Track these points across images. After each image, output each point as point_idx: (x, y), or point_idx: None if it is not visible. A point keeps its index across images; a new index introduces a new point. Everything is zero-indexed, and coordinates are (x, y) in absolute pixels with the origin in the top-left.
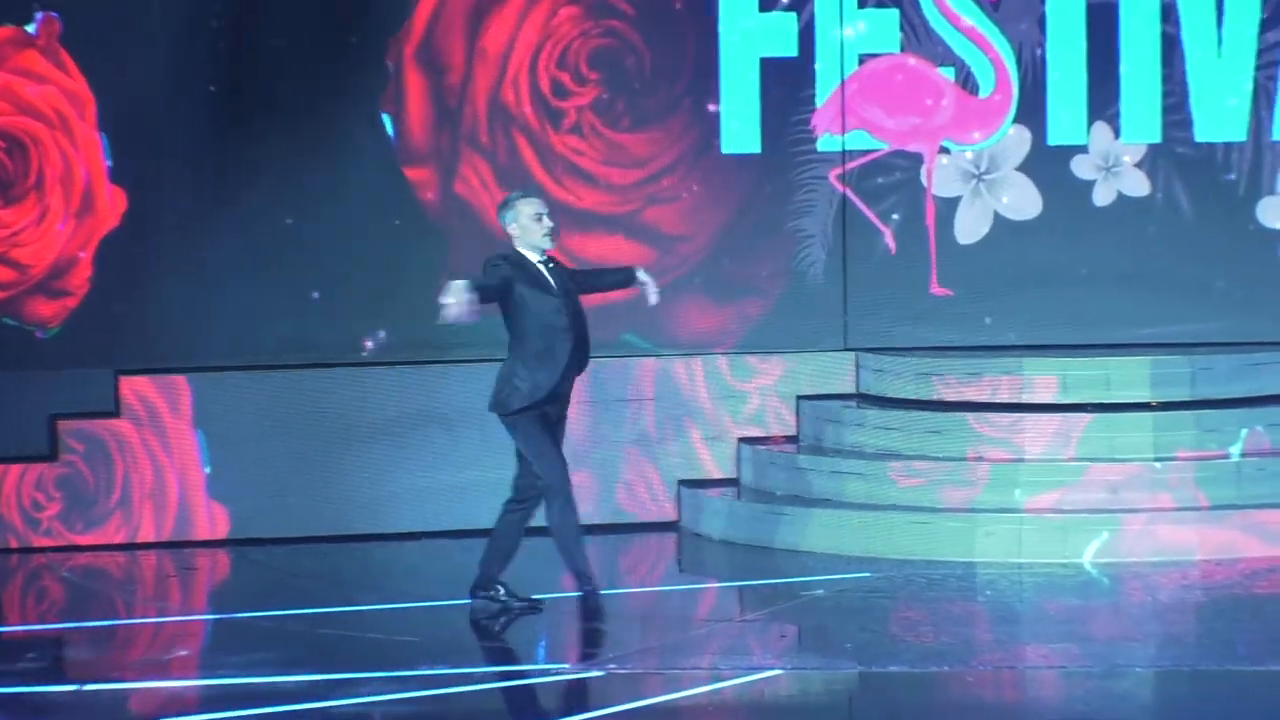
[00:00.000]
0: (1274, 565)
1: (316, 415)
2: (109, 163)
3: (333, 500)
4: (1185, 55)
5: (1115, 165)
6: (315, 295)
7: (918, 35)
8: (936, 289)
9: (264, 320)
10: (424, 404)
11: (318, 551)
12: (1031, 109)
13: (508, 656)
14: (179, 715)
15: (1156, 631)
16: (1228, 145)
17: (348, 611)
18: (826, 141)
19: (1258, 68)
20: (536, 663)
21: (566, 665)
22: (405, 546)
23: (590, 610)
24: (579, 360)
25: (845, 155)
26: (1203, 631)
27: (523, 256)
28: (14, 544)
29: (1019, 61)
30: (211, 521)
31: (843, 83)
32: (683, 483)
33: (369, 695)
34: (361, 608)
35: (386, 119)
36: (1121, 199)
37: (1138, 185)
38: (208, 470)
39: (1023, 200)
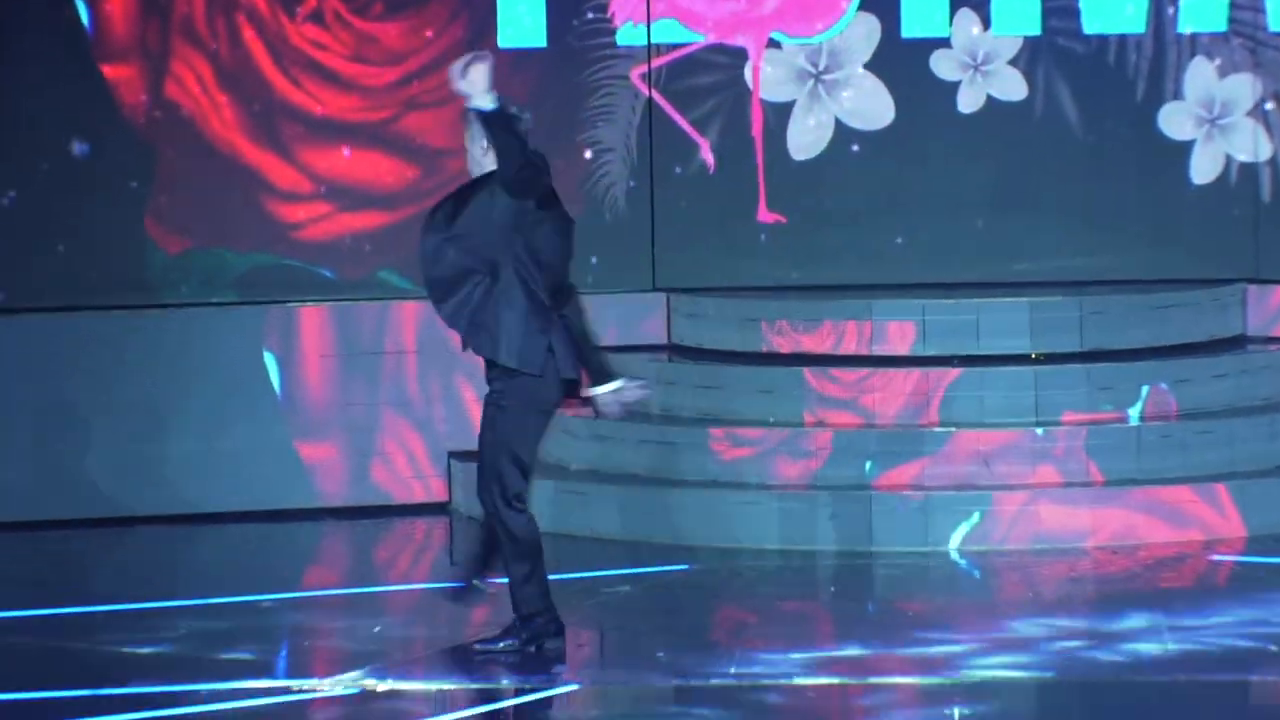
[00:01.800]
0: (1181, 553)
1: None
2: None
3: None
4: None
5: (985, 63)
6: None
7: None
8: (765, 215)
9: None
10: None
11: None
12: None
13: (246, 670)
14: None
15: (1039, 634)
16: (1122, 39)
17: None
18: (628, 33)
19: None
20: (276, 677)
21: (312, 681)
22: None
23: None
24: None
25: (652, 50)
26: (1096, 634)
27: None
28: None
29: None
30: None
31: None
32: (454, 454)
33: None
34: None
35: (81, 6)
36: (992, 104)
37: (1012, 87)
38: None
39: (871, 106)
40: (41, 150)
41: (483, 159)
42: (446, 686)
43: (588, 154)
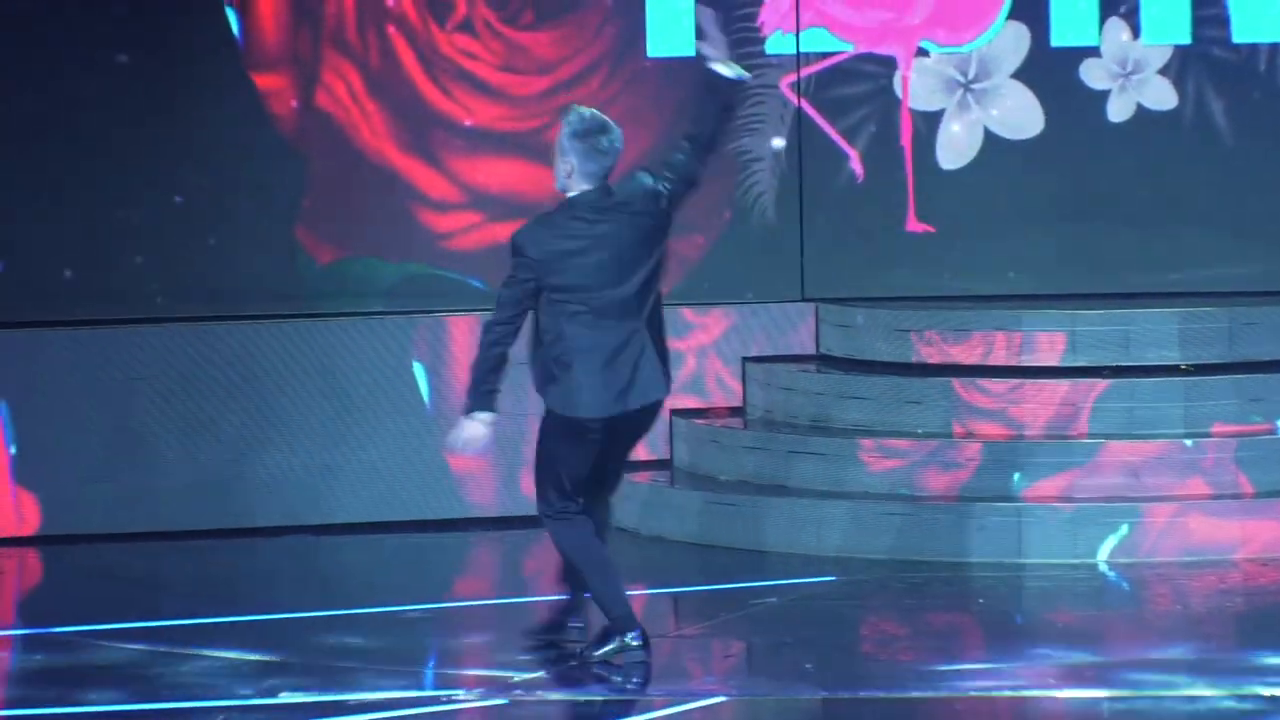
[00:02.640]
0: None
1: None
2: None
3: (160, 489)
4: None
5: (1135, 72)
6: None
7: None
8: (915, 225)
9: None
10: (287, 367)
11: (146, 550)
12: (1031, 2)
13: (397, 678)
14: None
15: (1189, 647)
16: (1274, 48)
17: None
18: (777, 42)
19: None
20: (424, 688)
21: (461, 692)
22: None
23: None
24: None
25: (800, 59)
26: (1245, 647)
27: None
28: None
29: None
30: (18, 514)
31: None
32: None
33: None
34: (209, 620)
35: (231, 14)
36: (1142, 113)
37: (1162, 97)
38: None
39: (1020, 115)
40: (193, 160)
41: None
42: (594, 698)
43: (738, 164)
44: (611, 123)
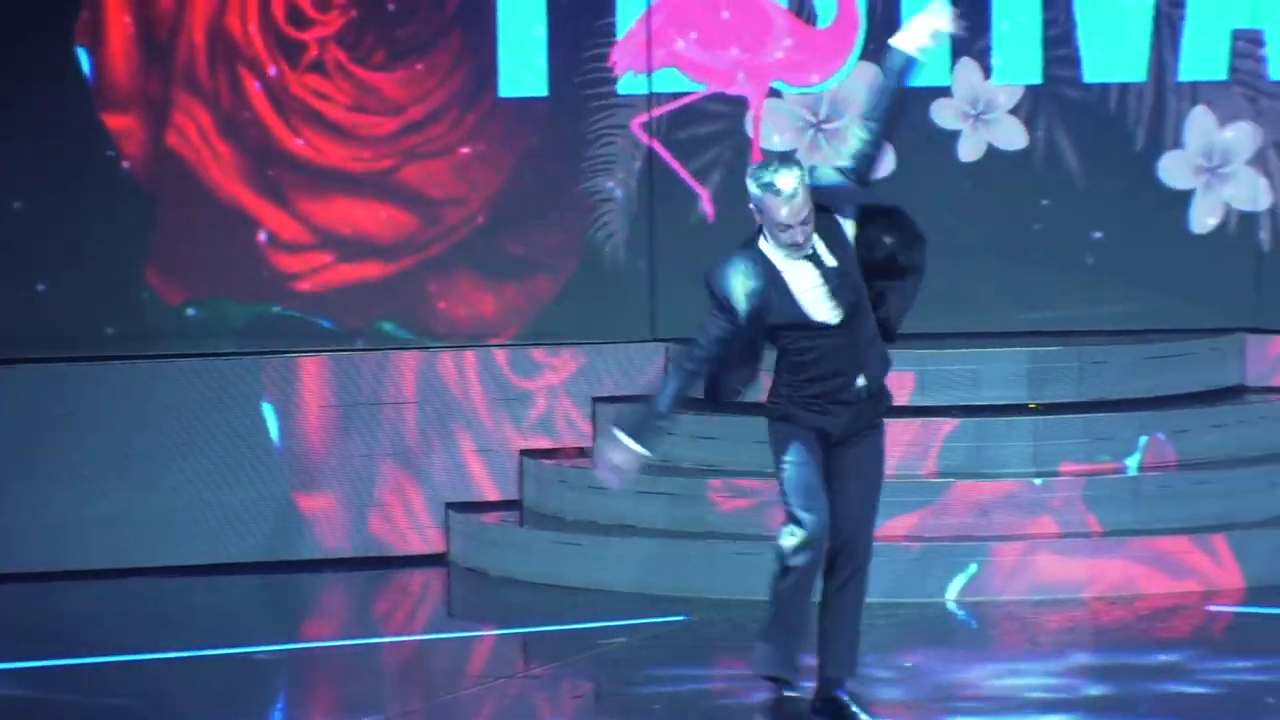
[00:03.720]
0: (1179, 604)
1: None
2: None
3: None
4: None
5: (985, 112)
6: None
7: None
8: None
9: None
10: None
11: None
12: (882, 42)
13: None
14: None
15: (1036, 686)
16: (1123, 87)
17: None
18: (629, 82)
19: None
20: None
21: None
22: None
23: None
24: None
25: (652, 99)
26: (1092, 686)
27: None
28: None
29: None
30: None
31: (649, 9)
32: (451, 506)
33: None
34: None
35: (82, 54)
36: (993, 153)
37: (1013, 136)
38: None
39: None
40: (41, 200)
41: None
42: None
43: (589, 203)
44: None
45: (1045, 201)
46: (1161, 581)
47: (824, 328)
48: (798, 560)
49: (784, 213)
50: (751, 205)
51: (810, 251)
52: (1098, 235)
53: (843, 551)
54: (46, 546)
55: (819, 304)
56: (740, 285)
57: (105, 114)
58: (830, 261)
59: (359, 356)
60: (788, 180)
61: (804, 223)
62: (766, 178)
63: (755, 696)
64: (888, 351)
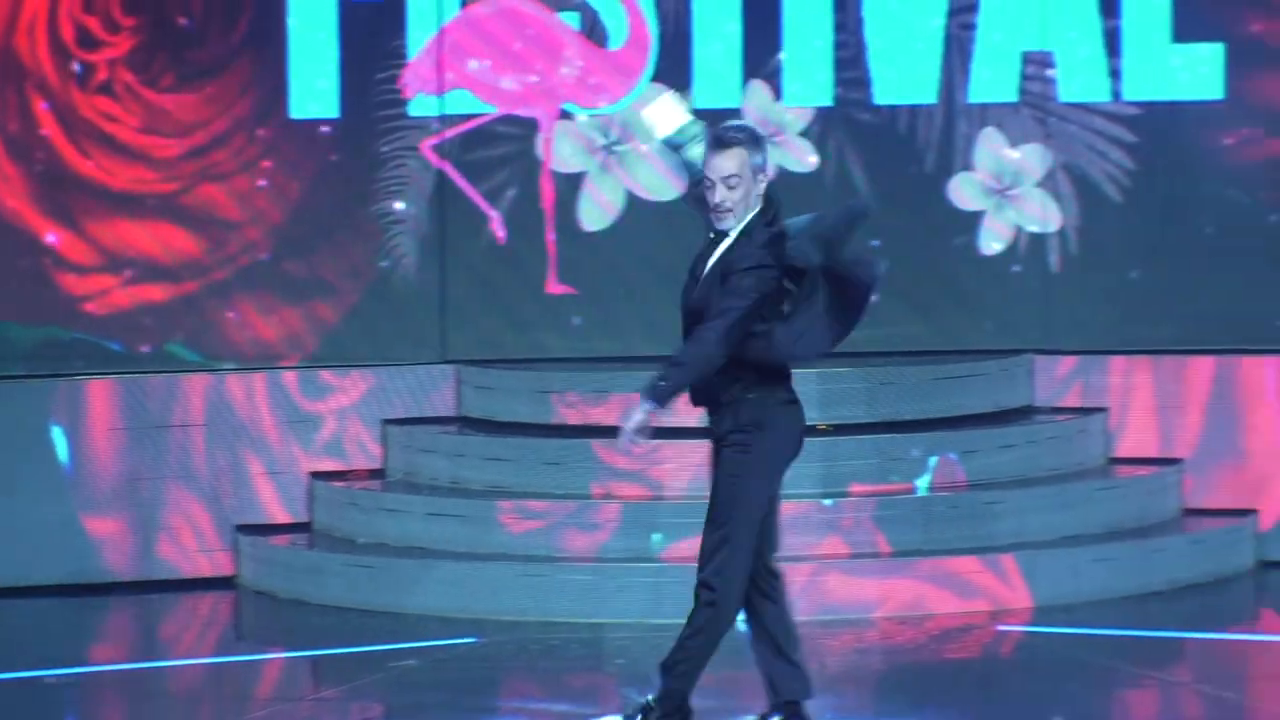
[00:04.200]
0: (968, 624)
1: None
2: None
3: None
4: (862, 0)
5: (776, 134)
6: None
7: None
8: (556, 286)
9: None
10: None
11: None
12: (673, 64)
13: None
14: None
15: (828, 706)
16: (913, 109)
17: None
18: (420, 104)
19: (950, 14)
20: None
21: None
22: None
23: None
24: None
25: (443, 121)
26: (882, 707)
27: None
28: None
29: (657, 6)
30: None
31: (440, 31)
32: (240, 529)
33: None
34: None
35: None
36: (783, 174)
37: (803, 157)
38: None
39: (663, 176)
40: None
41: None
42: None
43: (380, 226)
44: None
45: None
46: (951, 602)
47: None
48: None
49: (711, 164)
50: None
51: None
52: (887, 256)
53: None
54: None
55: None
56: None
57: None
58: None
59: (147, 379)
60: None
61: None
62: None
63: (540, 713)
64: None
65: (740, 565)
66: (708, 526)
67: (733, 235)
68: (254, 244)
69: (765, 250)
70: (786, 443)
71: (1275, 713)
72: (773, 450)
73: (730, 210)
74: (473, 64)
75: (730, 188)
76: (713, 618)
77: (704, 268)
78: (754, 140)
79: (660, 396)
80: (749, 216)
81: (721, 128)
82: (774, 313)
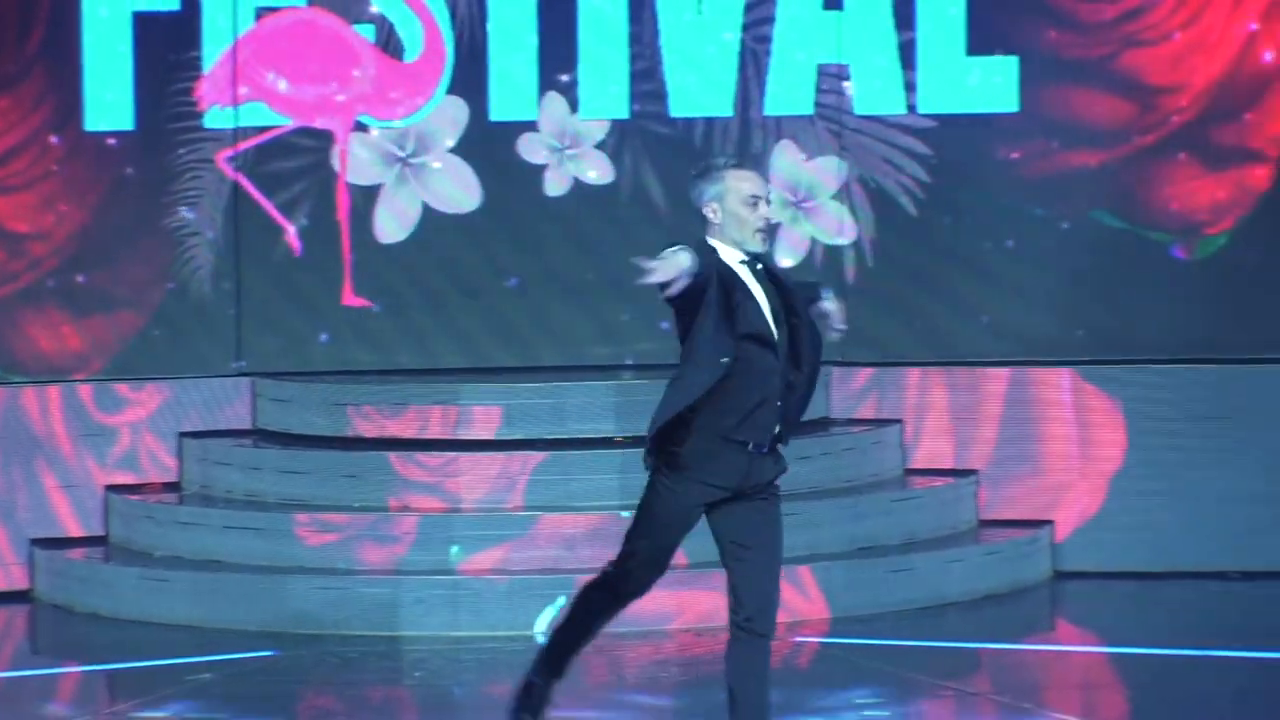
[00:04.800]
0: None
1: None
2: None
3: None
4: (658, 13)
5: (572, 146)
6: None
7: None
8: (352, 299)
9: None
10: None
11: None
12: (469, 77)
13: None
14: None
15: (626, 717)
16: (709, 121)
17: None
18: (215, 116)
19: (745, 28)
20: None
21: None
22: None
23: None
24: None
25: (238, 133)
26: (680, 718)
27: (718, 258)
28: None
29: (453, 17)
30: None
31: (235, 43)
32: (36, 542)
33: None
34: None
35: None
36: (579, 187)
37: (600, 170)
38: None
39: (458, 189)
40: None
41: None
42: None
43: (174, 238)
44: None
45: (632, 236)
46: None
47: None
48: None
49: (752, 185)
50: (709, 201)
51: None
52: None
53: (758, 619)
54: None
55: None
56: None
57: None
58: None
59: None
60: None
61: (769, 201)
62: (723, 160)
63: None
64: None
65: None
66: (772, 579)
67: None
68: (48, 257)
69: None
70: None
71: None
72: None
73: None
74: (268, 76)
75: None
76: None
77: (772, 296)
78: None
79: None
80: None
81: (729, 155)
82: None
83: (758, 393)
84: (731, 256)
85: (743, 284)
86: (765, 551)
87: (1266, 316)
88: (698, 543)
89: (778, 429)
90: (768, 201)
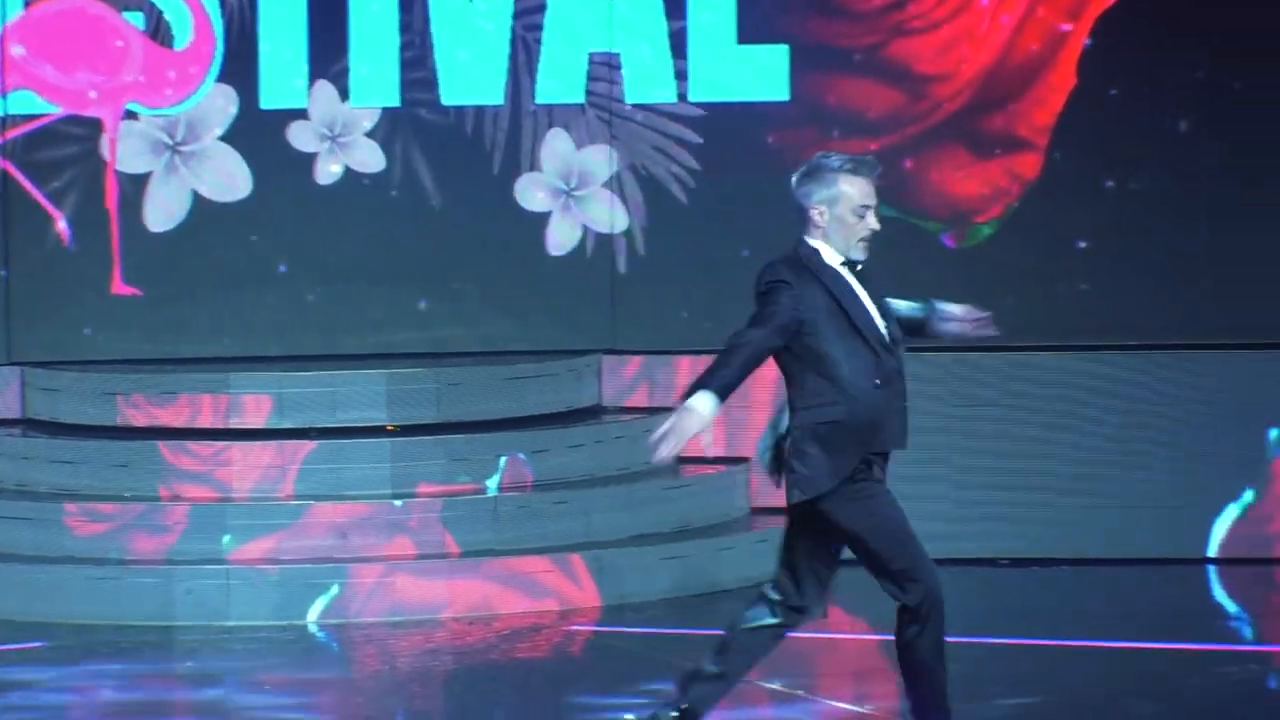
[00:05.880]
0: (537, 624)
1: None
2: None
3: None
4: (429, 0)
5: (342, 134)
6: None
7: None
8: (122, 287)
9: None
10: None
11: None
12: (239, 64)
13: None
14: None
15: (397, 708)
16: (480, 110)
17: None
18: None
19: (516, 16)
20: None
21: None
22: None
23: None
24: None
25: (6, 121)
26: (453, 709)
27: (821, 260)
28: None
29: (223, 5)
30: None
31: (3, 30)
32: None
33: None
34: None
35: None
36: (351, 175)
37: (371, 159)
38: None
39: (229, 177)
40: None
41: None
42: None
43: None
44: None
45: (403, 224)
46: (521, 601)
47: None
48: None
49: (863, 193)
50: (817, 204)
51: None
52: (455, 257)
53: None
54: None
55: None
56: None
57: None
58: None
59: None
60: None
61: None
62: (837, 161)
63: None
64: None
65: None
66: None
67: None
68: None
69: None
70: None
71: (844, 708)
72: None
73: None
74: (36, 64)
75: None
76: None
77: (874, 300)
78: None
79: None
80: None
81: (843, 158)
82: None
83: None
84: (834, 259)
85: (848, 286)
86: None
87: (1033, 304)
88: (468, 531)
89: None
90: (876, 211)
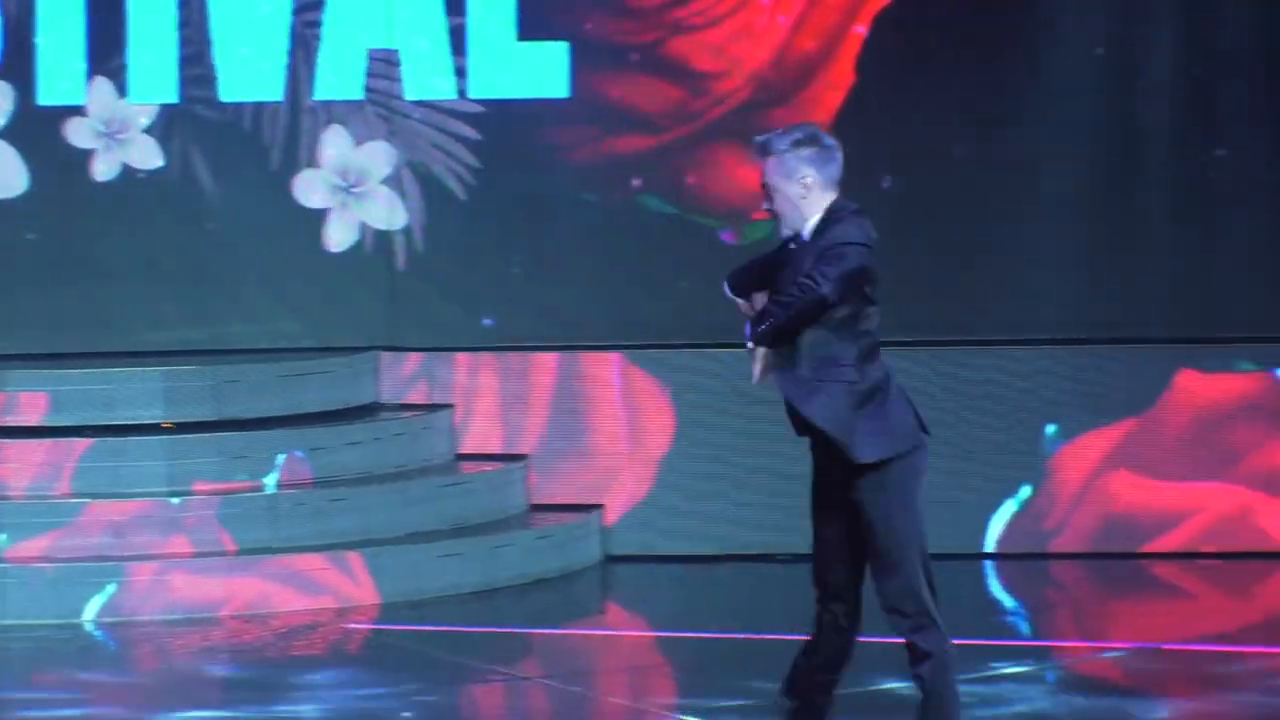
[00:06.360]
0: (314, 621)
1: None
2: None
3: None
4: None
5: (120, 131)
6: None
7: None
8: None
9: None
10: None
11: None
12: (16, 59)
13: None
14: None
15: (175, 705)
16: (259, 106)
17: None
18: None
19: (296, 12)
20: None
21: None
22: None
23: None
24: None
25: None
26: (229, 704)
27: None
28: None
29: None
30: None
31: None
32: None
33: None
34: None
35: None
36: (128, 172)
37: (149, 155)
38: None
39: (5, 174)
40: None
41: None
42: None
43: None
44: None
45: (181, 221)
46: (298, 599)
47: None
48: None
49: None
50: (803, 176)
51: None
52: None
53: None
54: None
55: None
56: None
57: None
58: None
59: None
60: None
61: None
62: (830, 140)
63: None
64: None
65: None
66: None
67: None
68: None
69: None
70: None
71: (621, 704)
72: None
73: None
74: None
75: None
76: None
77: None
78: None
79: None
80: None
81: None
82: None
83: None
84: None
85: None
86: None
87: None
88: (245, 529)
89: None
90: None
